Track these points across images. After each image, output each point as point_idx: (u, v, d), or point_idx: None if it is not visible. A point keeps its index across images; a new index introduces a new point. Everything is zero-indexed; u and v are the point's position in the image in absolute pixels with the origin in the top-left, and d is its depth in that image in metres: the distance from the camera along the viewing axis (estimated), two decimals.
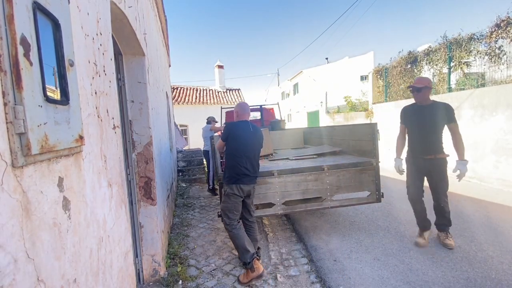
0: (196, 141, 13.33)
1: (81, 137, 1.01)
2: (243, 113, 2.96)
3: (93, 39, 1.31)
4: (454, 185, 5.72)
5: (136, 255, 2.47)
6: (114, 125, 1.56)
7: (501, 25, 5.66)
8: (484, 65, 6.29)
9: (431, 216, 3.22)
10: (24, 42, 0.70)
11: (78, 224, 1.00)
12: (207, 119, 6.68)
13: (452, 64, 7.03)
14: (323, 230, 3.81)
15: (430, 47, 7.87)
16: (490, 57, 6.08)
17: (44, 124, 0.78)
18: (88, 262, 1.07)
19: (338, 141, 4.53)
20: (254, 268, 2.56)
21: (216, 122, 6.66)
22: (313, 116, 19.08)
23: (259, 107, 7.86)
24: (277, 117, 9.15)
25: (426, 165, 3.10)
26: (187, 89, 17.65)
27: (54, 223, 0.84)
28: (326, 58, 24.07)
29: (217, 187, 5.37)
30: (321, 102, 17.78)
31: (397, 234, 3.54)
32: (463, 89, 6.64)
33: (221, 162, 3.46)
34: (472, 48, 6.55)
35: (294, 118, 24.10)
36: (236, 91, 18.53)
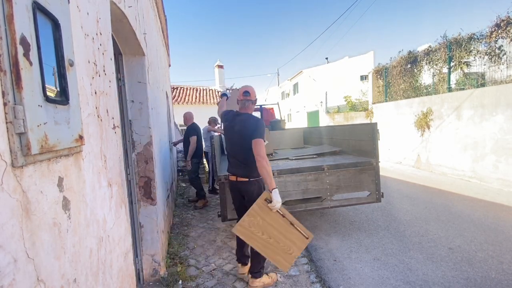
0: None
1: (81, 137, 1.01)
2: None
3: (93, 39, 1.31)
4: (454, 185, 5.79)
5: (136, 255, 2.47)
6: (114, 125, 1.56)
7: (501, 25, 5.66)
8: (484, 65, 6.29)
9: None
10: (24, 42, 0.70)
11: (78, 224, 1.00)
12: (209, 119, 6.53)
13: (452, 64, 7.03)
14: (323, 230, 3.81)
15: (430, 47, 7.86)
16: (490, 57, 6.08)
17: (44, 124, 0.78)
18: (88, 262, 1.07)
19: (338, 141, 4.53)
20: (206, 200, 5.24)
21: (218, 124, 6.36)
22: (313, 116, 19.09)
23: (259, 107, 7.86)
24: (277, 117, 9.15)
25: None
26: (187, 89, 17.66)
27: (54, 223, 0.84)
28: (326, 58, 24.08)
29: (216, 186, 5.46)
30: (321, 102, 17.80)
31: (397, 234, 3.54)
32: (463, 89, 6.64)
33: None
34: (472, 48, 6.55)
35: (294, 118, 24.10)
36: (236, 91, 18.51)
